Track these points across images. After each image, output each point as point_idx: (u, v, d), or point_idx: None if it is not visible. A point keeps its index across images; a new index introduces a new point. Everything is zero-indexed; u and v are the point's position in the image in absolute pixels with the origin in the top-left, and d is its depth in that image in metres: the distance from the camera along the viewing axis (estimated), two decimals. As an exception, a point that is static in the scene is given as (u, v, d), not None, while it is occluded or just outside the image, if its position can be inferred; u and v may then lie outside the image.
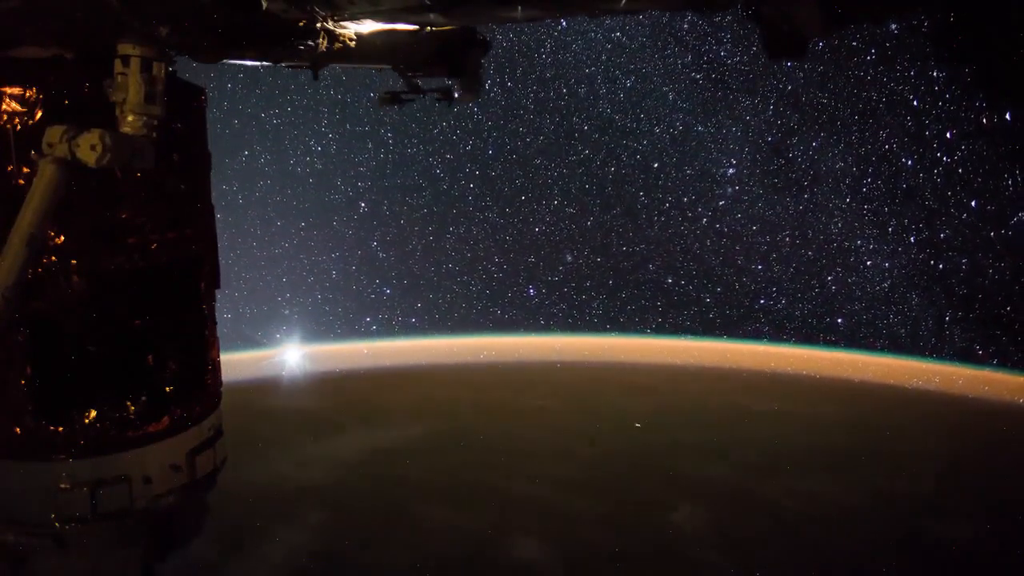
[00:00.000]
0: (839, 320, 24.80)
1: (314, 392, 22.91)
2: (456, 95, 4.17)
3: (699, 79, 24.52)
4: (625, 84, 25.47)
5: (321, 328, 25.55)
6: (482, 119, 25.57)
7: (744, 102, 24.09)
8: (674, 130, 25.41)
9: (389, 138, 25.62)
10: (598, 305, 26.56)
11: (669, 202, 25.93)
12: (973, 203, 21.68)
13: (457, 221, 26.58)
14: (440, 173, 26.17)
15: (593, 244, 26.56)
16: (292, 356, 24.57)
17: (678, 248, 26.01)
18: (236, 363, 23.20)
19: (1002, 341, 22.29)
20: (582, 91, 25.68)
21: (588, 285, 26.54)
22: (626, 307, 26.38)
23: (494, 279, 26.75)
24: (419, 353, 25.71)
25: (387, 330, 26.31)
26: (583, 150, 26.17)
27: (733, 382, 23.45)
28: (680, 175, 25.75)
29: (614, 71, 25.15)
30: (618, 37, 24.56)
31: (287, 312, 25.22)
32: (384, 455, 17.85)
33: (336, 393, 22.25)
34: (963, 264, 22.47)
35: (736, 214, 25.39)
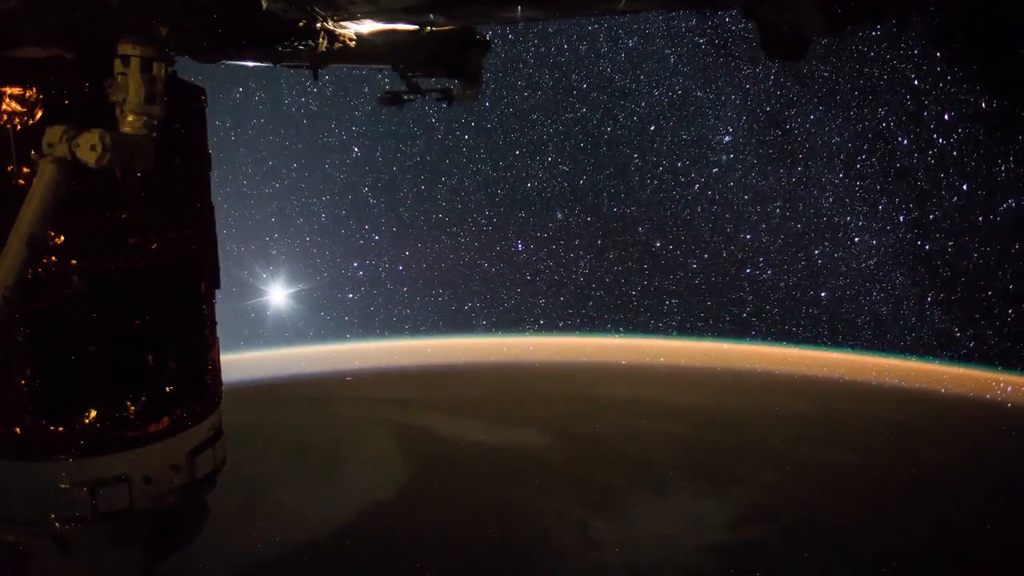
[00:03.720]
0: (823, 294, 24.89)
1: (480, 412, 19.26)
2: (456, 95, 4.18)
3: (702, 43, 24.26)
4: (627, 44, 25.21)
5: (308, 271, 25.44)
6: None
7: (745, 70, 23.89)
8: (673, 94, 25.18)
9: (385, 83, 25.11)
10: (585, 265, 26.45)
11: (663, 166, 25.78)
12: (964, 187, 21.75)
13: (450, 172, 26.33)
14: (435, 122, 25.82)
15: (584, 203, 26.43)
16: (279, 297, 24.21)
17: (669, 212, 25.89)
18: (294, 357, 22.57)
19: (980, 324, 22.44)
20: (583, 48, 25.42)
21: (577, 244, 26.43)
22: (613, 268, 26.30)
23: (483, 232, 26.52)
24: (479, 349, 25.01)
25: (374, 276, 26.09)
26: (580, 108, 25.93)
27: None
28: (676, 139, 25.57)
29: (617, 30, 24.85)
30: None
31: (274, 252, 25.04)
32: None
33: (531, 417, 18.53)
34: (949, 246, 22.57)
35: (729, 182, 25.29)
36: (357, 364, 24.32)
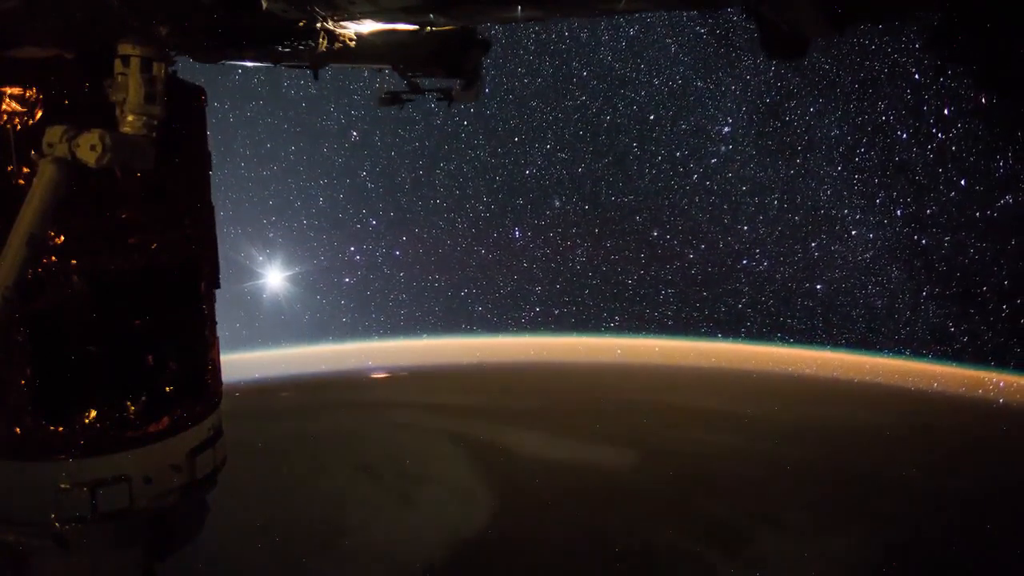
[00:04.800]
0: (818, 287, 24.91)
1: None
2: (456, 95, 4.18)
3: (703, 33, 24.21)
4: (628, 32, 25.25)
5: (305, 254, 25.38)
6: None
7: (746, 61, 23.82)
8: (673, 83, 25.21)
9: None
10: (582, 252, 26.45)
11: (662, 155, 25.76)
12: (962, 182, 21.74)
13: (448, 157, 26.31)
14: (434, 107, 25.66)
15: (582, 191, 26.43)
16: (275, 280, 24.07)
17: (666, 202, 25.88)
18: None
19: (975, 320, 22.45)
20: (584, 36, 25.42)
21: (574, 232, 26.43)
22: (610, 257, 26.31)
23: (481, 218, 26.50)
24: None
25: (371, 261, 26.05)
26: (580, 96, 25.91)
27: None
28: (675, 129, 25.56)
29: (618, 19, 24.87)
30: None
31: (271, 235, 24.92)
32: None
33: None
34: (946, 241, 22.59)
35: (727, 173, 25.28)
36: (366, 363, 24.16)
